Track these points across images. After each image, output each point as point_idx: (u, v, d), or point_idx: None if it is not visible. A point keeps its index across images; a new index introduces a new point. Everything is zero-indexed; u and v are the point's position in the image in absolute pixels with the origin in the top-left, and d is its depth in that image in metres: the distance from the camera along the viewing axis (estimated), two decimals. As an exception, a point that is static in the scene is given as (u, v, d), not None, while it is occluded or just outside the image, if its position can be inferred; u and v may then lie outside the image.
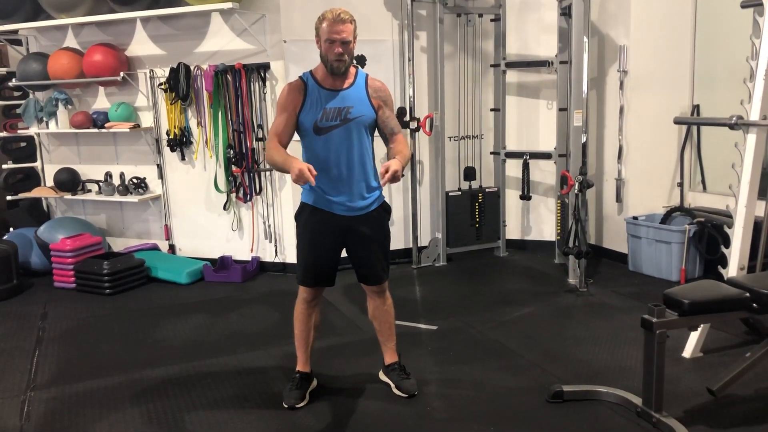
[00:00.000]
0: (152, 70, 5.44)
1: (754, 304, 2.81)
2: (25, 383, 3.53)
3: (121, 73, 5.31)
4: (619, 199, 5.36)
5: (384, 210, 3.14)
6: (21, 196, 5.92)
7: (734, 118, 3.47)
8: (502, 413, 3.02)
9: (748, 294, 2.81)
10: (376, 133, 3.12)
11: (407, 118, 5.31)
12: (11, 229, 5.98)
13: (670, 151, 5.02)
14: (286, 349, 3.58)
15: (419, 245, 5.57)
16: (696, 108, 4.86)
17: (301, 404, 3.12)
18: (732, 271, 3.46)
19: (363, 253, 3.10)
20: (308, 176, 2.69)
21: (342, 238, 3.06)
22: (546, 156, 5.42)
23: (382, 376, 3.33)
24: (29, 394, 3.40)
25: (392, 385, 3.25)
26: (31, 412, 3.19)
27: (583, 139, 4.87)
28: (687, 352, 3.54)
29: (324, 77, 2.97)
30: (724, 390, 2.90)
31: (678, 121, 4.48)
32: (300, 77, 3.03)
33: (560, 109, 5.22)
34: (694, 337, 3.53)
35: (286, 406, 3.10)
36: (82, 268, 5.13)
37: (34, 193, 5.90)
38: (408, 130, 5.33)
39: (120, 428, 3.01)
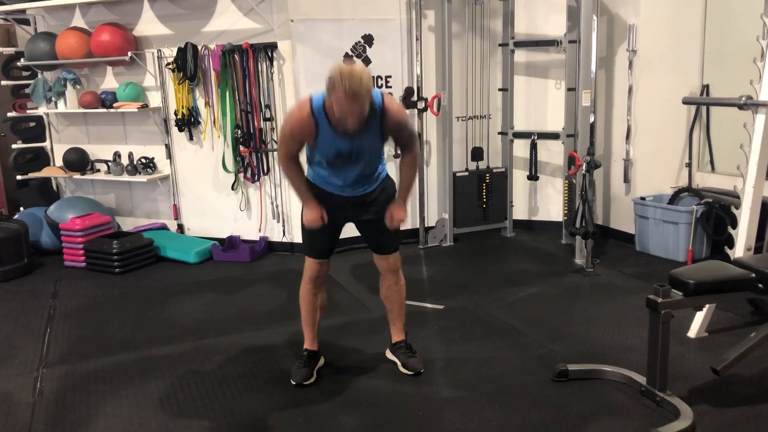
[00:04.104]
0: (160, 50, 5.44)
1: (760, 285, 2.81)
2: (38, 360, 3.59)
3: (129, 53, 5.31)
4: (626, 179, 5.34)
5: (386, 189, 3.16)
6: (31, 175, 5.96)
7: (743, 98, 3.45)
8: (507, 391, 3.05)
9: (754, 275, 2.81)
10: None
11: (415, 98, 5.30)
12: (21, 208, 6.04)
13: (678, 132, 4.99)
14: (293, 327, 3.62)
15: (426, 225, 5.58)
16: (705, 88, 4.82)
17: (309, 382, 3.16)
18: (739, 251, 3.46)
19: (368, 226, 3.16)
20: (319, 224, 2.95)
21: (344, 213, 3.11)
22: (554, 136, 5.40)
23: (389, 354, 3.37)
24: (41, 370, 3.45)
25: (398, 363, 3.28)
26: (44, 388, 3.24)
27: (592, 119, 4.85)
28: (692, 332, 3.55)
29: (338, 122, 2.77)
30: (728, 370, 2.91)
31: (687, 101, 4.45)
32: (311, 110, 2.80)
33: (569, 89, 5.19)
34: (699, 318, 3.54)
35: (293, 383, 3.14)
36: (92, 248, 5.17)
37: (44, 172, 5.94)
38: (416, 110, 5.33)
39: (130, 404, 3.06)
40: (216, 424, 2.85)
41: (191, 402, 3.06)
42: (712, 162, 4.92)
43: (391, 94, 5.34)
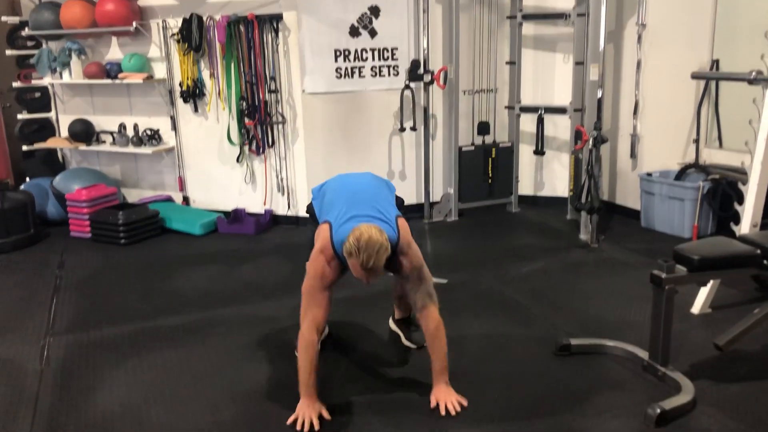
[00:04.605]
0: (165, 21, 5.40)
1: (765, 261, 2.81)
2: (44, 329, 3.62)
3: (134, 23, 5.28)
4: (633, 155, 5.31)
5: None
6: (36, 146, 5.97)
7: (753, 73, 3.41)
8: (510, 365, 3.07)
9: (759, 251, 2.80)
10: None
11: (421, 70, 5.25)
12: (27, 179, 6.05)
13: (686, 107, 4.94)
14: (297, 299, 3.62)
15: (431, 200, 5.57)
16: (715, 63, 4.76)
17: (313, 353, 3.15)
18: (744, 228, 3.44)
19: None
20: (306, 427, 2.57)
21: None
22: (561, 111, 5.35)
23: (392, 326, 3.38)
24: (48, 339, 3.49)
25: (402, 336, 3.30)
26: (51, 357, 3.28)
27: (599, 94, 4.80)
28: (696, 308, 3.56)
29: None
30: (731, 345, 2.91)
31: (696, 76, 4.41)
32: (335, 252, 2.66)
33: (576, 63, 5.14)
34: (703, 294, 3.54)
35: (297, 354, 3.15)
36: (98, 218, 5.19)
37: (49, 143, 5.94)
38: (422, 83, 5.29)
39: (136, 374, 3.09)
40: (219, 394, 2.88)
41: (195, 372, 3.09)
42: (720, 138, 4.88)
43: (396, 70, 5.31)
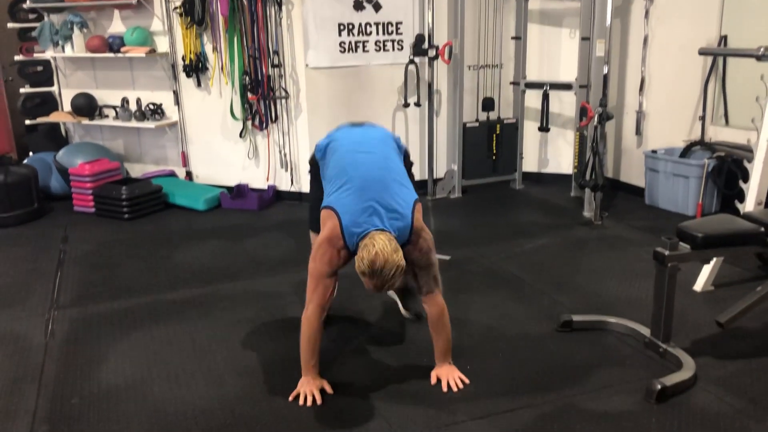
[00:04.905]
0: (167, -7, 5.36)
1: (769, 239, 2.80)
2: (49, 303, 3.64)
3: (136, -4, 5.24)
4: (638, 132, 5.28)
5: None
6: (39, 120, 5.95)
7: (762, 50, 3.38)
8: (511, 340, 3.09)
9: (763, 229, 2.79)
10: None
11: (425, 45, 5.21)
12: (30, 153, 6.04)
13: (693, 84, 4.90)
14: (301, 275, 3.63)
15: (435, 177, 5.56)
16: (723, 39, 4.70)
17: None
18: (749, 205, 3.43)
19: None
20: (308, 402, 2.59)
21: None
22: (566, 87, 5.31)
23: (391, 293, 3.35)
24: (53, 313, 3.51)
25: (399, 303, 3.30)
26: (55, 330, 3.30)
27: (605, 70, 4.76)
28: (698, 286, 3.56)
29: None
30: (733, 323, 2.92)
31: (703, 52, 4.36)
32: (345, 244, 2.54)
33: (583, 39, 5.09)
34: (706, 271, 3.54)
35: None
36: (101, 193, 5.19)
37: (52, 117, 5.92)
38: (426, 58, 5.25)
39: (140, 347, 3.11)
40: (223, 368, 2.90)
41: (199, 346, 3.11)
42: (726, 115, 4.84)
43: (401, 44, 5.27)
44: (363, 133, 2.91)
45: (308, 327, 2.61)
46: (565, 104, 5.60)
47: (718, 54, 4.70)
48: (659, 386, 2.55)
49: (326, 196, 2.68)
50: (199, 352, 3.05)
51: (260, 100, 5.27)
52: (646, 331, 2.96)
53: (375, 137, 2.88)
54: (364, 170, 2.65)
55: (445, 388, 2.68)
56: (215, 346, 3.11)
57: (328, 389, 2.66)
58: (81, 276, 4.03)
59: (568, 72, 5.37)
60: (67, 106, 5.93)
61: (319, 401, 2.60)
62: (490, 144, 5.62)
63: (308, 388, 2.63)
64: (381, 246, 2.38)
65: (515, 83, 5.66)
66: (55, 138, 6.09)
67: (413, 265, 2.61)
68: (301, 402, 2.60)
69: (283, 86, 5.24)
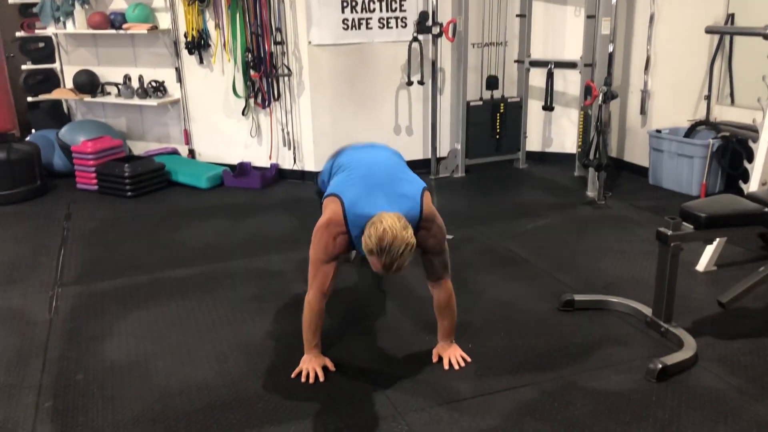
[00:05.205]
0: (169, -31, 5.31)
1: (772, 219, 2.79)
2: (52, 280, 3.66)
3: (137, -28, 5.19)
4: (643, 111, 5.25)
5: None
6: (41, 97, 5.93)
7: (769, 28, 3.34)
8: (513, 319, 3.09)
9: (766, 209, 2.78)
10: None
11: (429, 22, 5.16)
12: (33, 130, 6.03)
13: (699, 63, 4.86)
14: (303, 253, 3.63)
15: (438, 156, 5.54)
16: (731, 17, 4.65)
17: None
18: (753, 186, 3.42)
19: None
20: (311, 379, 2.59)
21: None
22: (571, 65, 5.27)
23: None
24: (57, 289, 3.53)
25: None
26: (59, 307, 3.32)
27: (610, 49, 4.72)
28: (701, 266, 3.56)
29: None
30: (735, 303, 2.93)
31: (709, 30, 4.32)
32: (347, 229, 2.47)
33: (588, 16, 5.03)
34: (709, 251, 3.54)
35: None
36: (104, 171, 5.19)
37: (54, 94, 5.90)
38: (430, 36, 5.20)
39: (143, 324, 3.13)
40: (226, 345, 2.92)
41: (202, 323, 3.12)
42: (732, 95, 4.80)
43: (404, 22, 5.21)
44: (368, 146, 2.98)
45: (309, 311, 2.61)
46: (569, 83, 5.56)
47: (725, 32, 4.66)
48: (660, 365, 2.56)
49: (329, 188, 2.63)
50: (203, 329, 3.06)
51: (263, 77, 5.24)
52: (647, 311, 2.97)
53: (380, 148, 2.93)
54: (369, 163, 2.68)
55: (446, 367, 2.69)
56: (218, 323, 3.12)
57: (331, 366, 2.68)
58: (84, 253, 4.05)
59: (573, 50, 5.32)
60: (69, 83, 5.91)
61: (321, 378, 2.61)
62: (493, 123, 5.59)
63: (310, 366, 2.64)
64: (390, 223, 2.28)
65: (519, 61, 5.62)
66: (58, 115, 6.07)
67: (427, 252, 2.58)
68: (303, 379, 2.62)
69: (286, 63, 5.20)
